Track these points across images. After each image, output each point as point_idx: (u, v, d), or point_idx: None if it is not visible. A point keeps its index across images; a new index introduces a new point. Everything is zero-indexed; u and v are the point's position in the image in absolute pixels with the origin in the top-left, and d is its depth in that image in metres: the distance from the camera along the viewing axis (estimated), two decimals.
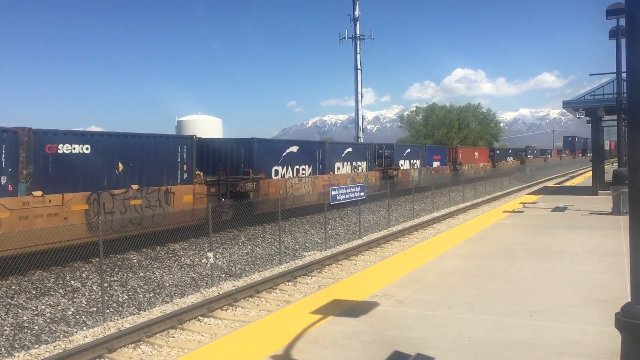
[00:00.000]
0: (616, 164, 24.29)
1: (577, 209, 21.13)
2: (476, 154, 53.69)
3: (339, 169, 29.51)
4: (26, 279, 13.27)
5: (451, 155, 47.66)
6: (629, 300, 3.80)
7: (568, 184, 42.56)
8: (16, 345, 10.15)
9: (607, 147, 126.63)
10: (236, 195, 20.53)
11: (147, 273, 14.94)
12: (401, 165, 36.93)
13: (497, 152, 62.32)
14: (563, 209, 21.35)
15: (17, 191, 13.78)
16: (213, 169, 21.34)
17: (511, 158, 67.64)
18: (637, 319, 3.63)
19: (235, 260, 17.19)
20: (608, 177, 26.92)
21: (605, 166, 29.46)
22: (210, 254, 14.80)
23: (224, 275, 15.72)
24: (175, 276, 15.07)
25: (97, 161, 15.91)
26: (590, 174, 34.89)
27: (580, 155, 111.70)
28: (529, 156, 75.07)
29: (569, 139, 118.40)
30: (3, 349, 9.95)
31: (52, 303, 12.19)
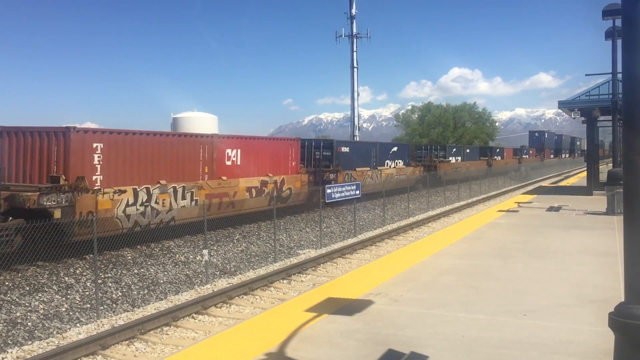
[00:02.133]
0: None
1: (572, 209, 21.19)
2: (230, 153, 21.58)
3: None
4: (19, 275, 13.21)
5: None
6: (623, 300, 3.80)
7: (563, 184, 42.68)
8: (9, 342, 10.10)
9: (586, 147, 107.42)
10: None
11: (142, 270, 14.90)
12: None
13: (345, 150, 30.70)
14: (557, 209, 21.41)
15: None
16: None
17: (399, 162, 36.64)
18: (631, 318, 3.64)
19: (230, 258, 17.17)
20: (602, 177, 27.00)
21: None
22: (205, 252, 14.77)
23: (218, 272, 15.69)
24: (170, 273, 15.04)
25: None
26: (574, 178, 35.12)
27: (551, 156, 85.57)
28: (451, 159, 46.18)
29: (536, 134, 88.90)
30: None
31: (45, 299, 12.14)
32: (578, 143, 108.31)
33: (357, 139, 46.74)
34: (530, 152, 76.80)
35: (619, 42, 22.26)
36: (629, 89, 3.81)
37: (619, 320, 3.72)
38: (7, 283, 12.59)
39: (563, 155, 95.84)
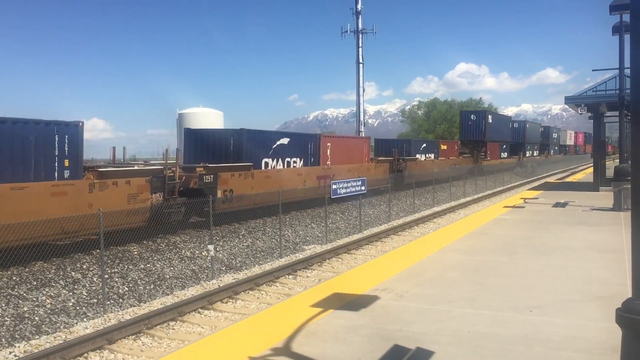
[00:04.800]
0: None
1: (578, 205, 21.12)
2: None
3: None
4: (27, 269, 13.28)
5: None
6: (630, 296, 3.79)
7: (569, 179, 42.52)
8: (17, 336, 10.17)
9: (570, 141, 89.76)
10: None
11: (148, 265, 14.95)
12: None
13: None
14: (564, 205, 21.33)
15: None
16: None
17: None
18: (639, 314, 3.63)
19: (235, 253, 17.20)
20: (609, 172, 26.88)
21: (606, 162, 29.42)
22: (211, 247, 14.81)
23: (224, 268, 15.73)
24: (176, 268, 15.08)
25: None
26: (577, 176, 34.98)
27: (503, 155, 54.90)
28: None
29: (472, 117, 50.45)
30: (4, 340, 9.98)
31: (52, 294, 12.21)
32: (555, 135, 79.76)
33: (363, 135, 46.71)
34: (444, 148, 43.65)
35: (627, 37, 22.18)
36: (637, 84, 3.78)
37: (626, 316, 3.71)
38: (14, 278, 12.66)
39: (529, 153, 63.99)
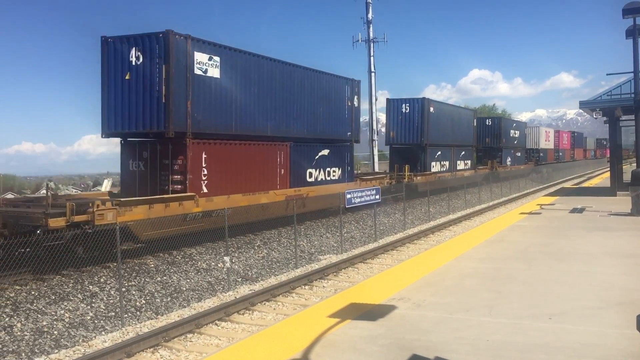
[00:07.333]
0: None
1: (596, 210, 20.91)
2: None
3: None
4: (45, 284, 13.41)
5: None
6: None
7: (586, 184, 42.14)
8: (36, 350, 10.26)
9: (548, 144, 77.12)
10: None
11: (165, 277, 15.03)
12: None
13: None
14: (581, 210, 21.13)
15: None
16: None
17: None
18: None
19: (251, 264, 17.23)
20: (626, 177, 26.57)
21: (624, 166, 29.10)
22: (226, 258, 14.86)
23: (240, 279, 15.76)
24: (192, 280, 15.14)
25: None
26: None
27: (327, 175, 23.71)
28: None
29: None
30: (24, 354, 10.07)
31: (71, 308, 12.30)
32: (515, 133, 53.49)
33: (376, 143, 46.72)
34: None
35: None
36: None
37: None
38: (33, 292, 12.79)
39: (435, 166, 35.72)
